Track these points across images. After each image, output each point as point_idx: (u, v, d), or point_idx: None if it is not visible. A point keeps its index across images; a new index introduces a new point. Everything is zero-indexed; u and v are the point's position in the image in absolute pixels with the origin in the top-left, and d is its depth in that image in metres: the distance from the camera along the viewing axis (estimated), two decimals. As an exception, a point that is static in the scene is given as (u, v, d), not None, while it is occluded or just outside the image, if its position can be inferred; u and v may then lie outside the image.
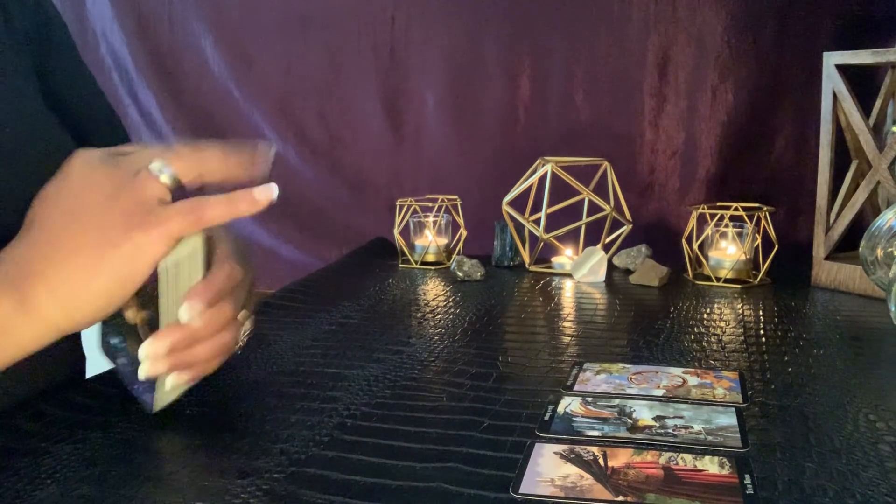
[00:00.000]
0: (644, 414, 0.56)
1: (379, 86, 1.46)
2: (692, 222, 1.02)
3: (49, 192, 0.51)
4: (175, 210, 0.49)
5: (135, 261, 0.48)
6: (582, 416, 0.56)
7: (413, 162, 1.47)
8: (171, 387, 0.54)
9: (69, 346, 0.64)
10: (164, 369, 0.52)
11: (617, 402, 0.59)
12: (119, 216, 0.48)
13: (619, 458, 0.49)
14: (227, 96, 1.54)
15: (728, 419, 0.55)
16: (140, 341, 0.52)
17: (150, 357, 0.51)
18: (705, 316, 0.85)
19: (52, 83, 0.66)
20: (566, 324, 0.84)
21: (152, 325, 0.54)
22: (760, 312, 0.86)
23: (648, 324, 0.82)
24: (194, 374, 0.53)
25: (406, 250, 1.16)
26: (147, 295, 0.53)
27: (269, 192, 0.51)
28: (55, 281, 0.47)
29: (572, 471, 0.47)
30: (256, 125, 1.54)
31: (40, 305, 0.47)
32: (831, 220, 0.99)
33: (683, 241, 1.03)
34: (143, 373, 0.52)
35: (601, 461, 0.49)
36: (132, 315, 0.55)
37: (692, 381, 0.63)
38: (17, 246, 0.49)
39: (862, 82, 1.00)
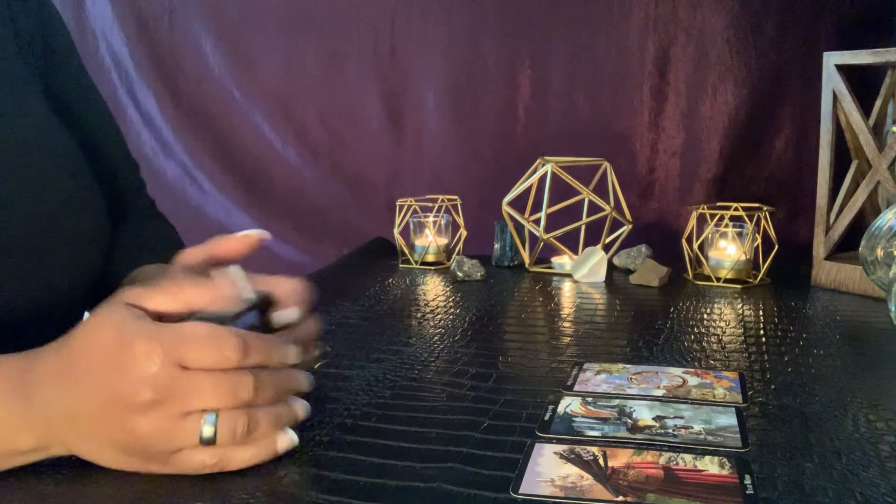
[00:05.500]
0: (644, 414, 0.56)
1: (379, 86, 1.46)
2: (692, 222, 1.02)
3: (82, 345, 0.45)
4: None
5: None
6: (582, 416, 0.56)
7: (413, 162, 1.47)
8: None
9: None
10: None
11: (617, 402, 0.59)
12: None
13: (619, 458, 0.49)
14: (227, 96, 1.54)
15: (728, 419, 0.55)
16: None
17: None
18: (705, 316, 0.85)
19: (55, 86, 0.67)
20: (566, 324, 0.84)
21: None
22: (760, 312, 0.86)
23: (648, 324, 0.82)
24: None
25: (406, 250, 1.16)
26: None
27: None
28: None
29: (572, 471, 0.47)
30: (256, 125, 1.54)
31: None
32: (831, 220, 0.99)
33: (683, 241, 1.03)
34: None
35: (601, 461, 0.49)
36: None
37: (692, 381, 0.63)
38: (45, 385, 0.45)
39: (862, 82, 1.00)
